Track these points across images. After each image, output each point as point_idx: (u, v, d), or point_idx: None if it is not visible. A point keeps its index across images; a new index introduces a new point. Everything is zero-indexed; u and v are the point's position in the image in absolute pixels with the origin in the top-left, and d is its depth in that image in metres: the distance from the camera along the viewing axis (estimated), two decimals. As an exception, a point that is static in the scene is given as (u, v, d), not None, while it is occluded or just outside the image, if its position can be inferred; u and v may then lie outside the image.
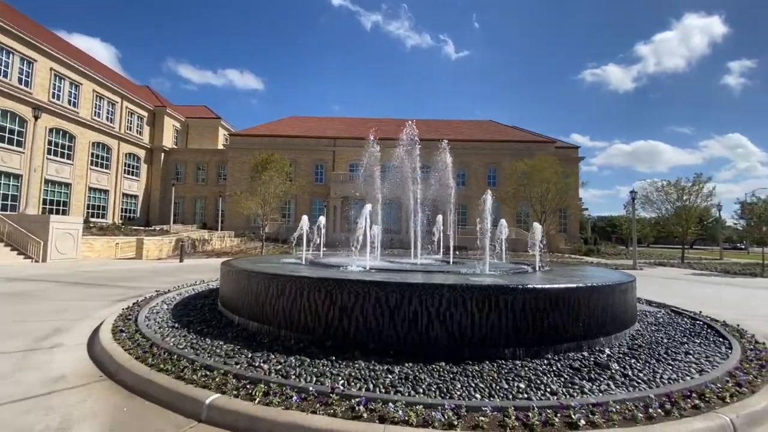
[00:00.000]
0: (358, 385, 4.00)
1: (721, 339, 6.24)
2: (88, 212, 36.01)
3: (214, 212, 44.02)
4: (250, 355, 4.84)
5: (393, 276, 6.22)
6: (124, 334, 5.61)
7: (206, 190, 46.32)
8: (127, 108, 41.46)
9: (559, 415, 3.40)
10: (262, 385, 3.80)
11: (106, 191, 38.75)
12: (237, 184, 38.95)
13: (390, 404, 3.45)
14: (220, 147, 49.12)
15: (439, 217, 12.83)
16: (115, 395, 4.14)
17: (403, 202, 43.38)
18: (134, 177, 42.93)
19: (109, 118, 39.01)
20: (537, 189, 29.30)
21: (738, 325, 7.10)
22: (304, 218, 8.97)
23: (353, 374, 4.26)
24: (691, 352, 5.48)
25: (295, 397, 3.54)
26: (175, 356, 4.69)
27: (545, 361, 4.87)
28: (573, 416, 3.35)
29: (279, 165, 27.51)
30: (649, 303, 9.89)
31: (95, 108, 36.98)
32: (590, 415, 3.38)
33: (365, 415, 3.32)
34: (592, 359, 5.00)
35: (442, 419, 3.26)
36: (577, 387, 4.12)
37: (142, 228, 34.37)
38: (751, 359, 5.04)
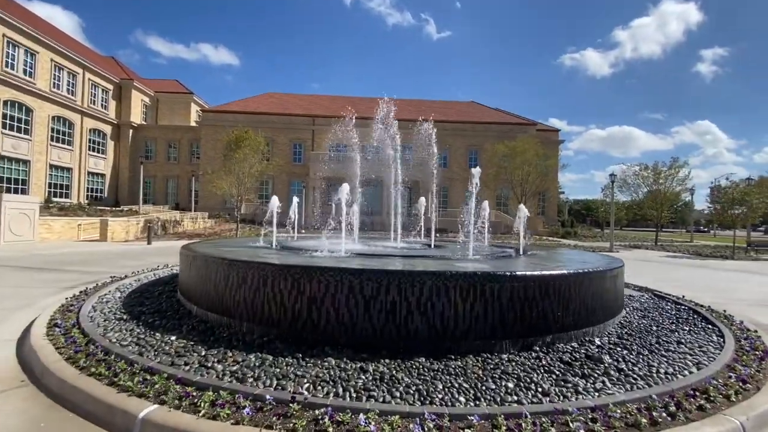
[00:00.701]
0: (325, 389, 3.47)
1: (710, 326, 6.02)
2: (49, 191, 33.77)
3: (187, 192, 42.18)
4: (203, 353, 4.23)
5: (370, 262, 5.67)
6: (58, 329, 4.87)
7: (178, 168, 44.25)
8: (90, 80, 38.61)
9: (555, 423, 2.96)
10: (211, 393, 3.21)
11: (69, 169, 36.38)
12: (210, 162, 37.28)
13: (361, 415, 2.94)
14: (193, 124, 46.71)
15: (422, 199, 12.27)
16: (35, 405, 3.48)
17: (384, 183, 42.85)
18: (100, 155, 40.46)
19: (71, 91, 36.25)
20: (518, 171, 29.15)
21: (724, 311, 6.93)
22: (274, 198, 8.25)
23: (321, 375, 3.73)
24: (683, 341, 5.20)
25: (247, 409, 2.97)
26: (113, 356, 4.03)
27: (533, 355, 4.47)
28: (571, 425, 2.92)
29: (253, 143, 26.18)
30: (631, 286, 9.76)
31: (54, 79, 34.20)
32: (590, 423, 2.96)
33: (330, 429, 2.78)
34: (582, 351, 4.63)
35: (422, 433, 2.77)
36: (570, 386, 3.72)
37: (109, 209, 32.57)
38: (747, 350, 4.78)
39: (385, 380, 3.69)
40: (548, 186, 43.99)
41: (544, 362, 4.27)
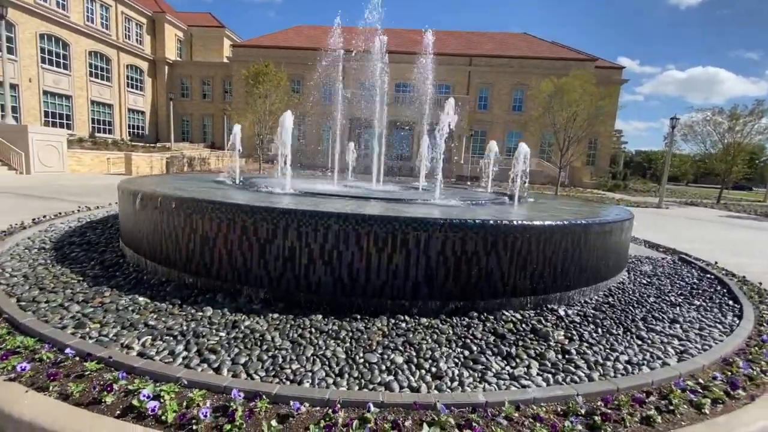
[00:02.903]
0: (165, 346, 2.84)
1: (731, 302, 4.69)
2: (93, 127, 35.48)
3: (221, 131, 42.71)
4: (78, 290, 3.75)
5: (300, 200, 4.82)
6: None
7: (212, 107, 44.51)
8: (123, 13, 38.38)
9: (409, 419, 2.13)
10: (20, 337, 2.69)
11: (110, 105, 37.72)
12: (241, 100, 36.90)
13: (149, 380, 2.27)
14: (225, 60, 45.91)
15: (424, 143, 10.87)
16: None
17: (415, 125, 40.55)
18: (139, 92, 41.40)
19: (105, 24, 36.37)
20: (563, 113, 25.79)
21: (761, 284, 5.46)
22: (236, 127, 7.42)
23: (176, 328, 3.11)
24: (682, 319, 4.01)
25: (24, 363, 2.40)
26: (-24, 288, 3.65)
27: (465, 322, 3.56)
28: (424, 426, 2.07)
29: (274, 79, 25.05)
30: (656, 247, 8.24)
31: (87, 12, 34.27)
32: (455, 429, 2.09)
33: (108, 400, 2.15)
34: (533, 323, 3.64)
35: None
36: (479, 368, 2.82)
37: (151, 145, 33.81)
38: (765, 339, 3.52)
39: (250, 340, 3.00)
40: (600, 132, 39.61)
41: (470, 333, 3.36)
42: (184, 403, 2.15)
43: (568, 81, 25.38)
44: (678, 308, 4.36)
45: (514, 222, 3.78)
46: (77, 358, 2.53)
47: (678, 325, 3.85)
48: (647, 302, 4.45)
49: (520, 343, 3.25)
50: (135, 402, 2.11)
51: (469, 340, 3.26)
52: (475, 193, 8.98)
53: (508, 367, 2.87)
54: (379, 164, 9.69)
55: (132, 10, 39.43)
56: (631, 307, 4.25)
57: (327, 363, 2.77)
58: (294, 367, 2.69)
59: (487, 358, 2.96)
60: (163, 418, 2.04)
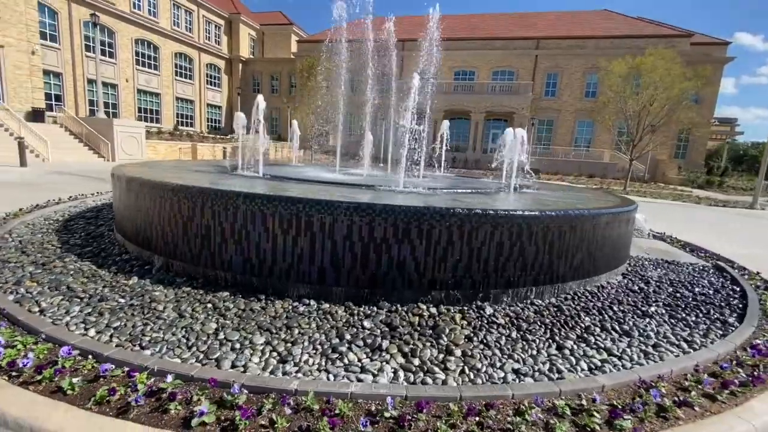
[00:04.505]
0: (72, 305, 3.14)
1: (732, 320, 3.81)
2: (177, 121, 39.95)
3: (287, 123, 45.26)
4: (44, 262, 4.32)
5: (256, 185, 4.95)
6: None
7: (279, 101, 47.24)
8: (204, 17, 42.34)
9: (199, 394, 2.10)
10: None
11: (191, 101, 42.09)
12: (302, 94, 38.65)
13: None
14: (291, 56, 48.37)
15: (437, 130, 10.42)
16: None
17: (473, 114, 38.86)
18: (216, 88, 45.52)
19: (188, 28, 40.50)
20: (637, 98, 22.68)
21: (793, 300, 4.35)
22: (238, 115, 7.79)
23: (94, 291, 3.42)
24: (637, 333, 3.38)
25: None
26: (-28, 248, 4.38)
27: (368, 311, 3.39)
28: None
29: (326, 73, 25.77)
30: (697, 251, 6.98)
31: (173, 18, 38.45)
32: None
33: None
34: (442, 320, 3.34)
35: (27, 374, 2.24)
36: (334, 356, 2.69)
37: (212, 137, 37.12)
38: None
39: (142, 308, 3.20)
40: (692, 119, 34.50)
41: (361, 323, 3.19)
42: (23, 353, 2.37)
43: (644, 60, 22.26)
44: (647, 319, 3.66)
45: (429, 208, 3.47)
46: (-19, 309, 2.92)
47: (626, 340, 3.23)
48: (612, 310, 3.80)
49: (406, 338, 3.00)
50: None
51: (356, 329, 3.11)
52: (475, 183, 8.40)
53: (366, 360, 2.68)
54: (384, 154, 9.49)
55: (211, 13, 43.30)
56: (584, 313, 3.68)
57: (187, 336, 2.84)
58: (154, 335, 2.81)
59: (351, 349, 2.79)
60: (-4, 364, 2.27)
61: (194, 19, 41.10)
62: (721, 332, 3.52)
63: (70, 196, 7.87)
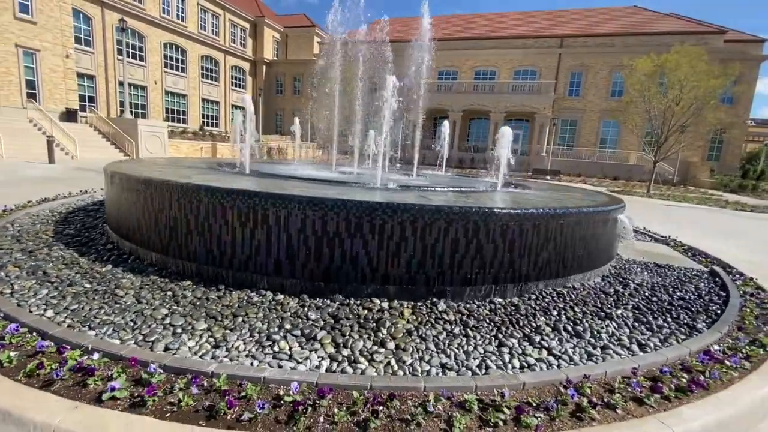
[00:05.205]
0: (41, 288, 3.38)
1: (700, 324, 3.64)
2: (202, 121, 41.40)
3: (307, 124, 46.04)
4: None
5: (234, 181, 5.12)
6: (-1, 213, 6.00)
7: (301, 102, 48.16)
8: (229, 20, 43.70)
9: (120, 372, 2.23)
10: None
11: (217, 102, 43.51)
12: (321, 95, 39.21)
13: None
14: (313, 58, 49.15)
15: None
16: None
17: (492, 115, 38.21)
18: (240, 89, 46.85)
19: (214, 32, 41.91)
20: (662, 97, 21.67)
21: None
22: (237, 116, 8.06)
23: (67, 276, 3.65)
24: (588, 335, 3.28)
25: None
26: (-27, 235, 4.75)
27: (320, 304, 3.47)
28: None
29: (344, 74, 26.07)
30: (698, 255, 6.67)
31: (200, 21, 39.90)
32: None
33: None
34: (389, 314, 3.37)
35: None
36: (267, 344, 2.78)
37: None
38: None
39: (104, 294, 3.39)
40: (725, 119, 32.69)
41: (307, 315, 3.26)
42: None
43: (668, 58, 21.30)
44: (607, 321, 3.55)
45: (381, 203, 3.50)
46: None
47: (575, 341, 3.16)
48: (573, 311, 3.71)
49: (346, 329, 3.05)
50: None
51: (301, 320, 3.18)
52: (462, 181, 8.32)
53: (297, 348, 2.75)
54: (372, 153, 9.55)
55: (237, 17, 44.63)
56: (542, 313, 3.61)
57: (135, 320, 2.99)
58: (105, 318, 2.98)
59: (286, 338, 2.87)
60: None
61: (220, 23, 42.47)
62: (684, 337, 3.38)
63: (81, 190, 8.35)
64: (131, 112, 27.99)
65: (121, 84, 30.41)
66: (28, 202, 6.78)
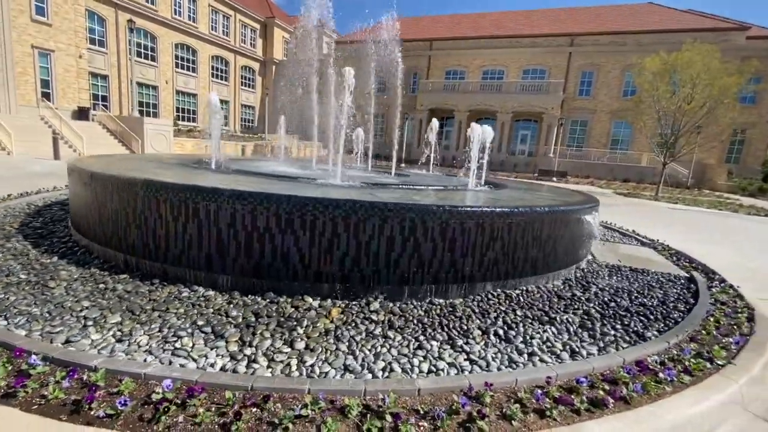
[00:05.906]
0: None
1: (649, 333, 3.43)
2: (212, 120, 42.16)
3: (313, 123, 46.27)
4: (-7, 236, 4.70)
5: (199, 177, 5.11)
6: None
7: (302, 101, 48.49)
8: (240, 21, 44.27)
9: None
10: None
11: (227, 102, 44.13)
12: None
13: None
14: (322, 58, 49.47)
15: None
16: None
17: (499, 115, 37.66)
18: (250, 89, 47.42)
19: (225, 32, 42.51)
20: (670, 98, 20.95)
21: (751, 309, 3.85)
22: (213, 113, 8.06)
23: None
24: (519, 340, 3.12)
25: None
26: (-64, 227, 4.85)
27: (247, 300, 3.41)
28: None
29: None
30: (682, 259, 6.36)
31: (211, 23, 40.52)
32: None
33: None
34: (315, 312, 3.28)
35: None
36: (172, 339, 2.71)
37: (241, 135, 38.68)
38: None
39: (38, 286, 3.40)
40: (745, 120, 31.56)
41: (227, 312, 3.20)
42: None
43: (680, 56, 20.60)
44: (546, 326, 3.37)
45: (312, 198, 3.41)
46: None
47: (501, 346, 3.00)
48: (514, 314, 3.55)
49: (260, 328, 2.96)
50: None
51: (221, 317, 3.12)
52: (430, 180, 8.15)
53: (200, 345, 2.68)
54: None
55: (248, 18, 45.19)
56: (478, 316, 3.46)
57: (52, 311, 2.97)
58: (24, 309, 2.97)
59: (192, 335, 2.80)
60: None
61: (231, 24, 43.06)
62: (626, 345, 3.18)
63: (66, 185, 8.50)
64: (140, 111, 28.67)
65: (139, 85, 31.25)
66: (9, 195, 6.92)
